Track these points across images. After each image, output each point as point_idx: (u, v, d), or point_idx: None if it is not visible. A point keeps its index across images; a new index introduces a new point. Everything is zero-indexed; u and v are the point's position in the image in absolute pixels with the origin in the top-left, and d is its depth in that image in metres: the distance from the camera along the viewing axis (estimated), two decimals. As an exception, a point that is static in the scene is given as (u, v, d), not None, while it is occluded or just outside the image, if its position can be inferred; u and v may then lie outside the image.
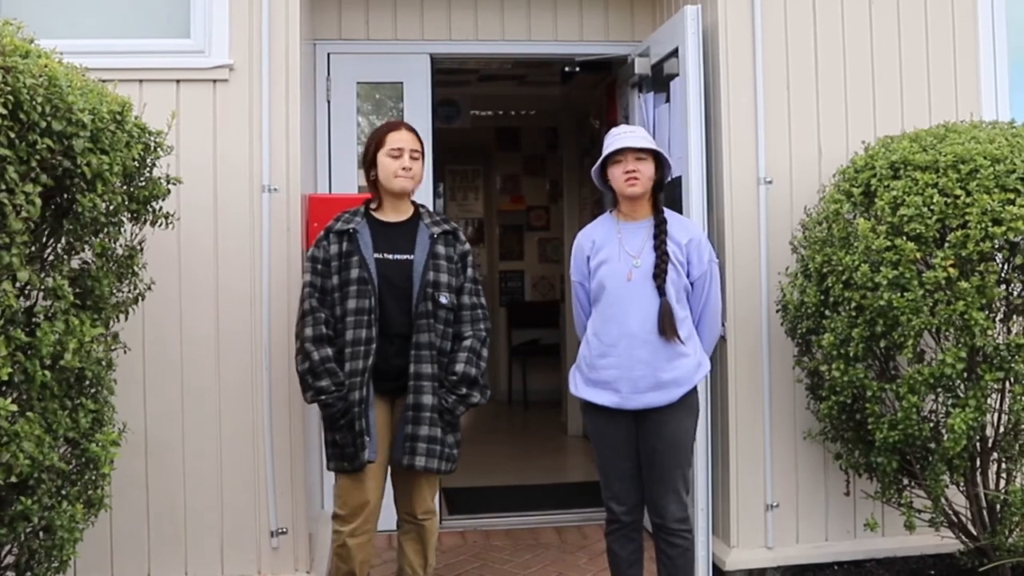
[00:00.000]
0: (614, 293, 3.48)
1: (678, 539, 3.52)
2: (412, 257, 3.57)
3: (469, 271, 3.68)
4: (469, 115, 8.43)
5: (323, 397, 3.45)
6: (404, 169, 3.59)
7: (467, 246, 3.72)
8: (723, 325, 4.29)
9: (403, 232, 3.63)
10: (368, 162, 3.67)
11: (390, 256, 3.57)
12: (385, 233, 3.61)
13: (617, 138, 3.55)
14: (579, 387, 3.60)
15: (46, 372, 2.53)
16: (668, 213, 3.60)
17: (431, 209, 3.79)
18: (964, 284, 3.41)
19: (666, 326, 3.42)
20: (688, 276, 3.52)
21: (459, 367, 3.54)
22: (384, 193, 3.66)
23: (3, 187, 2.32)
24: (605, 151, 3.55)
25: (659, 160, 3.56)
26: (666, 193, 4.52)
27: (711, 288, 3.59)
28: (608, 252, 3.54)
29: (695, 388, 3.55)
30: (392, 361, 3.51)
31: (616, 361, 3.46)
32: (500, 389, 9.90)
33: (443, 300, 3.55)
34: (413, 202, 3.74)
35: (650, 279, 3.45)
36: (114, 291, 3.14)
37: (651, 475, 3.52)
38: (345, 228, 3.58)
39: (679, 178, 4.41)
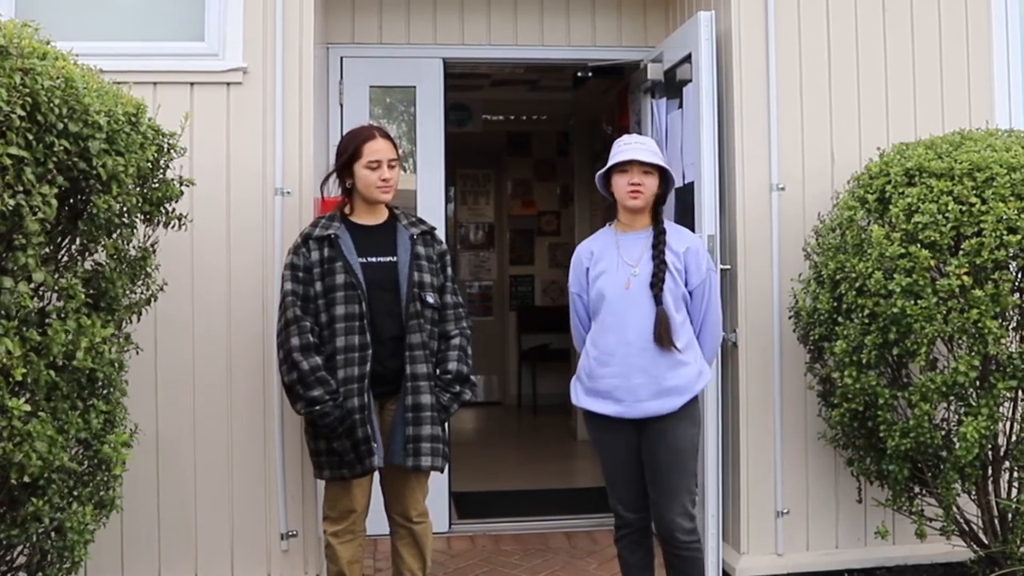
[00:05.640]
0: (612, 302, 3.47)
1: (686, 551, 3.49)
2: (395, 259, 3.56)
3: (448, 270, 3.68)
4: (481, 119, 8.44)
5: (317, 407, 3.39)
6: (383, 181, 3.54)
7: (444, 246, 3.72)
8: (734, 331, 4.30)
9: (382, 235, 3.61)
10: (344, 171, 3.59)
11: (374, 259, 3.54)
12: (365, 237, 3.58)
13: (626, 148, 3.51)
14: (580, 397, 3.57)
15: (52, 372, 2.53)
16: (667, 223, 3.58)
17: (404, 210, 3.75)
18: (978, 292, 3.40)
19: (662, 334, 3.39)
20: (687, 284, 3.49)
21: (452, 365, 3.55)
22: (361, 199, 3.62)
23: (20, 188, 2.33)
24: (613, 159, 3.52)
25: (664, 175, 3.55)
26: (678, 199, 4.54)
27: (711, 297, 3.56)
28: (607, 262, 3.53)
29: (696, 398, 3.51)
30: (386, 364, 3.50)
31: (615, 370, 3.44)
32: (509, 393, 9.90)
33: (430, 300, 3.55)
34: (386, 204, 3.69)
35: (648, 288, 3.43)
36: (127, 292, 3.15)
37: (656, 489, 3.48)
38: (325, 234, 3.53)
39: (691, 184, 4.41)
